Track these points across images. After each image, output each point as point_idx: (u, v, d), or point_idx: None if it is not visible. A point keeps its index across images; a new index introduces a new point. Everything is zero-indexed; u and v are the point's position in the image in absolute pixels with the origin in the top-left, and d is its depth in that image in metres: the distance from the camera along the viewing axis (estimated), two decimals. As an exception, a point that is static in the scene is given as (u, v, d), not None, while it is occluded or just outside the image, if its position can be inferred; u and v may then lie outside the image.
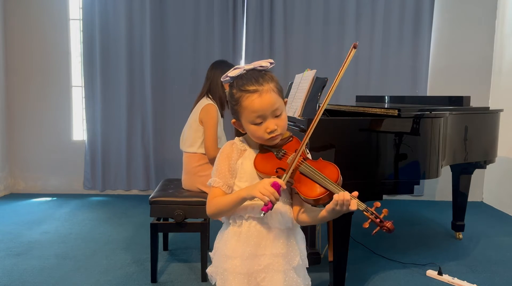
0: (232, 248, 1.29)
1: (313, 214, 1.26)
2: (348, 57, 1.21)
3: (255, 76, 1.24)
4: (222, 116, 2.85)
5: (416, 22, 4.45)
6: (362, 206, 1.16)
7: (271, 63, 1.27)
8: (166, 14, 4.47)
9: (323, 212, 1.20)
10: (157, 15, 4.46)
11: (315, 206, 1.23)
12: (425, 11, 4.42)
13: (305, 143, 1.24)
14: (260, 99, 1.21)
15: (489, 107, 3.64)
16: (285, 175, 1.21)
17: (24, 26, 4.56)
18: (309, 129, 1.25)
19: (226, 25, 4.46)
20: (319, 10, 4.45)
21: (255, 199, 1.20)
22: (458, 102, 3.17)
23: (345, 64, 1.22)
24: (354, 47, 1.21)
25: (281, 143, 1.30)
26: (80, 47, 4.58)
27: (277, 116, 1.24)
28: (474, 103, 3.28)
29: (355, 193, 1.16)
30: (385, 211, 1.17)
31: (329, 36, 4.47)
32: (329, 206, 1.17)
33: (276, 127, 1.24)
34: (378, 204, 1.19)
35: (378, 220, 1.16)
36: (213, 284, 1.37)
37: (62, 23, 4.59)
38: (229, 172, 1.30)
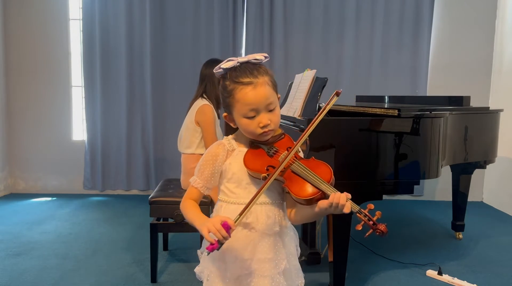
0: (218, 251, 1.26)
1: (304, 213, 1.24)
2: (328, 103, 1.19)
3: (250, 68, 1.21)
4: (218, 116, 2.83)
5: (416, 22, 4.45)
6: (356, 207, 1.13)
7: (265, 57, 1.24)
8: (166, 14, 4.47)
9: (316, 209, 1.17)
10: (157, 15, 4.46)
11: (306, 205, 1.20)
12: (425, 10, 4.42)
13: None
14: (254, 91, 1.18)
15: (489, 107, 3.64)
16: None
17: (24, 26, 4.56)
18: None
19: (226, 25, 4.46)
20: (319, 10, 4.45)
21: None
22: (458, 102, 3.17)
23: (325, 110, 1.19)
24: (337, 94, 1.20)
25: (272, 140, 1.27)
26: (80, 47, 4.58)
27: (270, 111, 1.21)
28: (474, 103, 3.28)
29: (348, 195, 1.13)
30: (378, 213, 1.15)
31: (329, 36, 4.47)
32: (323, 204, 1.14)
33: (269, 122, 1.20)
34: (371, 206, 1.16)
35: (371, 222, 1.14)
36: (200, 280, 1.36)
37: (62, 23, 4.59)
38: (211, 175, 1.28)
